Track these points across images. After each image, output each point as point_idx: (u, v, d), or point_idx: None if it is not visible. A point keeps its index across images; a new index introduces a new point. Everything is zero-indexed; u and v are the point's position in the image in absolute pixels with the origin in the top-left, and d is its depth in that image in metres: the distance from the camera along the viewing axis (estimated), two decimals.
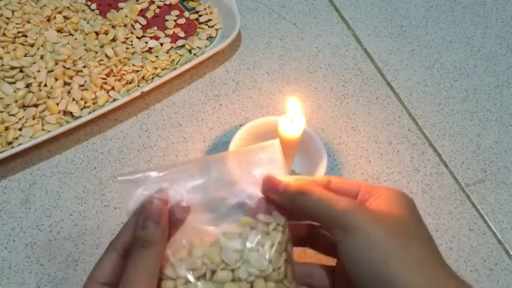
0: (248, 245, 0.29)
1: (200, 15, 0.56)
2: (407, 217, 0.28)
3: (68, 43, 0.51)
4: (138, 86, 0.49)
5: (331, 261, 0.33)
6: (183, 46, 0.53)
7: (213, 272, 0.28)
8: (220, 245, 0.29)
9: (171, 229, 0.29)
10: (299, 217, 0.31)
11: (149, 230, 0.27)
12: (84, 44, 0.51)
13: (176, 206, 0.29)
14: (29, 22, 0.51)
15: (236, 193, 0.31)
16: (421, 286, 0.25)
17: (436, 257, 0.27)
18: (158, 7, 0.57)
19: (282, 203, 0.30)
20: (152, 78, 0.50)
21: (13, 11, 0.51)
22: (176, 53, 0.52)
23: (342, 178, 0.32)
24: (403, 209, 0.28)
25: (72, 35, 0.52)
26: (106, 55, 0.50)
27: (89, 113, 0.46)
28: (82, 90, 0.48)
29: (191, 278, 0.28)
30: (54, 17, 0.53)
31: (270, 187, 0.30)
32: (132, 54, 0.51)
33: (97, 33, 0.52)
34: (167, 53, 0.52)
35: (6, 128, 0.45)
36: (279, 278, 0.29)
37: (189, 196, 0.30)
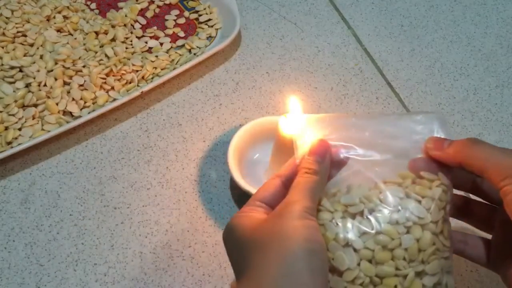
0: (409, 194, 0.30)
1: (200, 15, 0.56)
2: None
3: (67, 43, 0.51)
4: (138, 86, 0.49)
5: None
6: (183, 46, 0.53)
7: (370, 212, 0.29)
8: (380, 189, 0.30)
9: (333, 169, 0.31)
10: (458, 185, 0.33)
11: (314, 163, 0.30)
12: (84, 44, 0.51)
13: (340, 149, 0.32)
14: (28, 22, 0.51)
15: (400, 149, 0.32)
16: None
17: None
18: (158, 6, 0.57)
19: (445, 161, 0.30)
20: (152, 78, 0.50)
21: (12, 11, 0.51)
22: (176, 53, 0.52)
23: None
24: None
25: (72, 35, 0.52)
26: (106, 55, 0.50)
27: (89, 113, 0.46)
28: (82, 90, 0.48)
29: (348, 213, 0.29)
30: (54, 17, 0.53)
31: (435, 145, 0.31)
32: (132, 54, 0.51)
33: (96, 33, 0.52)
34: (167, 53, 0.52)
35: (6, 128, 0.45)
36: (436, 231, 0.29)
37: (354, 144, 0.32)
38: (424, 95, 0.53)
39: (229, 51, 0.54)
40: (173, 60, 0.51)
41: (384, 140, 0.32)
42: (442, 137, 0.31)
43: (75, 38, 0.51)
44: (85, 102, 0.47)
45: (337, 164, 0.31)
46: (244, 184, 0.40)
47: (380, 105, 0.52)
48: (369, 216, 0.29)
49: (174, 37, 0.54)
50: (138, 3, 0.56)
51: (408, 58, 0.56)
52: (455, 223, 0.36)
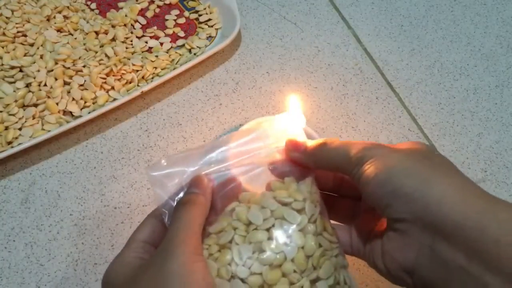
0: (279, 202, 0.29)
1: (200, 15, 0.56)
2: (426, 150, 0.29)
3: (68, 43, 0.51)
4: (138, 85, 0.49)
5: None
6: (183, 45, 0.53)
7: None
8: (246, 207, 0.29)
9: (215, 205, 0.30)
10: (319, 187, 0.33)
11: (193, 194, 0.29)
12: (84, 44, 0.51)
13: (213, 180, 0.31)
14: (28, 22, 0.51)
15: (260, 159, 0.31)
16: (441, 195, 0.25)
17: (461, 175, 0.27)
18: (158, 6, 0.57)
19: (304, 161, 0.31)
20: (152, 78, 0.50)
21: (12, 11, 0.51)
22: (176, 52, 0.52)
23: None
24: (423, 146, 0.29)
25: (72, 35, 0.52)
26: (106, 55, 0.50)
27: (89, 112, 0.46)
28: (82, 90, 0.48)
29: (221, 245, 0.28)
30: (54, 17, 0.53)
31: (293, 147, 0.32)
32: (132, 54, 0.51)
33: (97, 33, 0.52)
34: (167, 52, 0.52)
35: (6, 128, 0.45)
36: (318, 231, 0.28)
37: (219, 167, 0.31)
38: (424, 95, 0.53)
39: (229, 51, 0.54)
40: (173, 60, 0.51)
41: (245, 154, 0.31)
42: (299, 135, 0.32)
43: (75, 38, 0.51)
44: (85, 102, 0.47)
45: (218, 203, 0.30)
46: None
47: (380, 105, 0.52)
48: (245, 240, 0.27)
49: (174, 37, 0.54)
50: (138, 3, 0.56)
51: (408, 58, 0.56)
52: None
